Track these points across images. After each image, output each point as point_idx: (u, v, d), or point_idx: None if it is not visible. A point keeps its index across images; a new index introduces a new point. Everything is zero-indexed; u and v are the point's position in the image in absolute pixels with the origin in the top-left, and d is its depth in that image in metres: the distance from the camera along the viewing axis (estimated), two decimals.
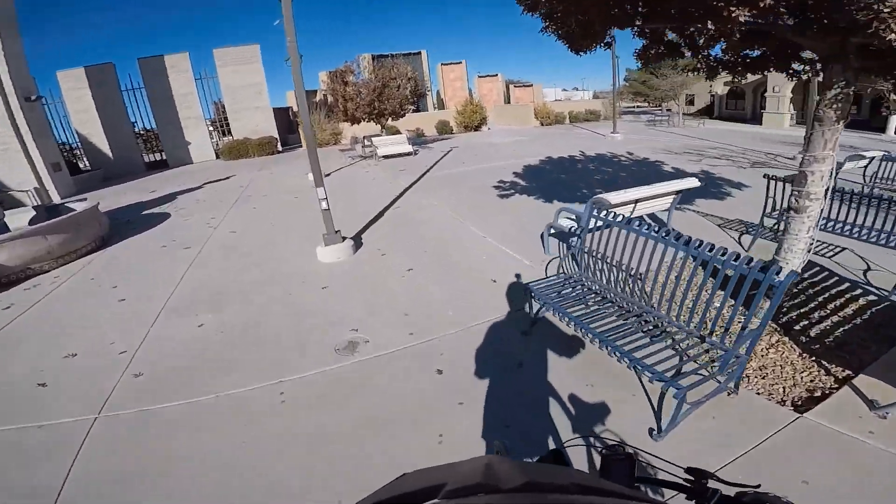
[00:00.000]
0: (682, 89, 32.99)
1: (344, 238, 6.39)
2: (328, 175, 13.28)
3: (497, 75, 45.85)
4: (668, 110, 35.79)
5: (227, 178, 15.17)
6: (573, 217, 5.37)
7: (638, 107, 48.79)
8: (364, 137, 18.91)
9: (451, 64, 46.06)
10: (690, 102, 38.54)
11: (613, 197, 4.82)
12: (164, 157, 22.41)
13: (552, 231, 5.82)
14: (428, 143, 20.26)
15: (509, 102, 44.31)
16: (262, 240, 7.44)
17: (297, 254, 6.49)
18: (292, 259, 6.31)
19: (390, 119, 17.31)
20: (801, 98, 27.40)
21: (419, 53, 44.50)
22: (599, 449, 0.93)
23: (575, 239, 4.50)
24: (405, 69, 16.62)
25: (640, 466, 1.25)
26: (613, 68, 21.06)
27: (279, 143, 23.21)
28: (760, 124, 26.13)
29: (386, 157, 16.12)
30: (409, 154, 16.28)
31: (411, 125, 24.89)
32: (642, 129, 22.49)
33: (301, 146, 24.43)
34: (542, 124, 26.33)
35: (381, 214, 8.24)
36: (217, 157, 22.28)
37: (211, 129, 24.34)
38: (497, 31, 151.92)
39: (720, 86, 31.62)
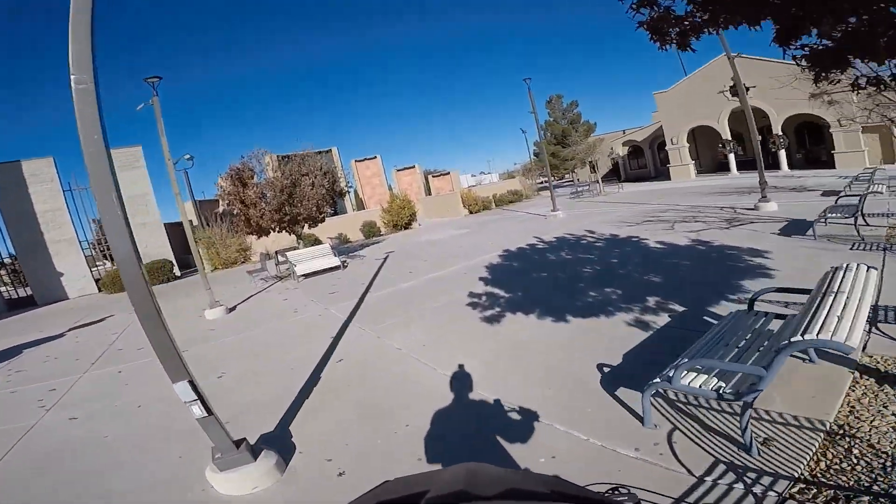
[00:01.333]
0: (588, 155, 34.44)
1: (257, 451, 3.21)
2: (232, 309, 9.88)
3: (414, 167, 45.79)
4: (579, 180, 37.14)
5: (101, 319, 11.15)
6: (714, 369, 2.77)
7: (544, 182, 51.03)
8: (277, 252, 15.78)
9: (365, 160, 45.31)
10: (593, 169, 40.59)
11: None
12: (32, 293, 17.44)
13: (659, 391, 3.17)
14: (356, 251, 17.55)
15: (430, 193, 43.94)
16: (113, 444, 3.99)
17: (171, 485, 3.14)
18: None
19: (307, 226, 14.44)
20: (694, 147, 29.42)
21: (329, 151, 43.45)
22: (604, 492, 0.89)
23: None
24: (318, 162, 14.11)
25: None
26: (538, 125, 20.49)
27: (176, 267, 19.26)
28: (668, 179, 27.19)
29: (307, 275, 13.06)
30: (337, 268, 13.37)
31: (332, 231, 22.28)
32: (572, 202, 21.85)
33: (206, 267, 20.57)
34: (471, 212, 25.07)
35: (317, 377, 5.09)
36: (100, 289, 17.70)
37: (89, 254, 19.82)
38: (404, 121, 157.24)
39: (619, 146, 33.32)
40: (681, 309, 5.47)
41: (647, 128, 32.69)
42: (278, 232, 14.50)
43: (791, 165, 23.54)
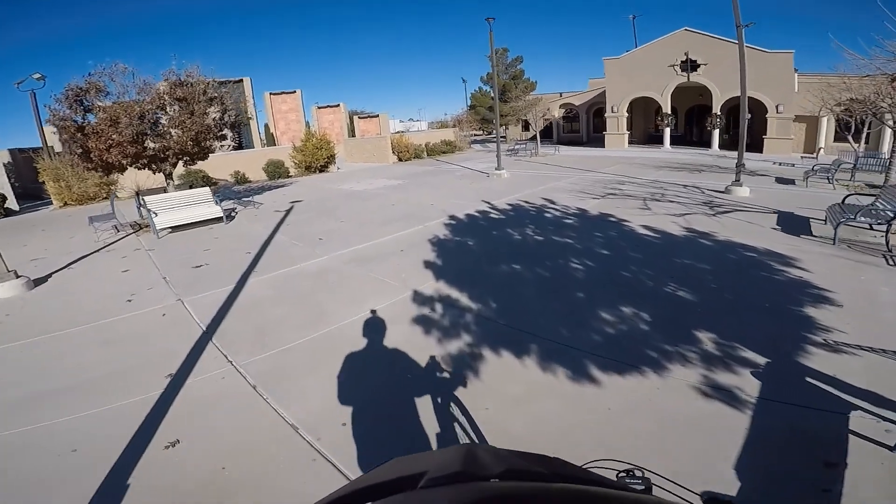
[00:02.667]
0: (526, 112, 32.26)
1: None
2: (42, 281, 6.29)
3: (339, 105, 40.34)
4: (515, 139, 35.06)
5: None
6: None
7: (476, 135, 48.11)
8: (138, 193, 11.58)
9: (282, 94, 38.88)
10: (525, 127, 38.75)
11: None
12: None
13: None
14: (253, 196, 13.73)
15: (354, 136, 39.14)
16: None
17: None
18: None
19: (183, 163, 10.45)
20: (642, 119, 28.56)
21: (240, 81, 36.43)
22: (617, 472, 0.84)
23: None
24: (202, 84, 9.91)
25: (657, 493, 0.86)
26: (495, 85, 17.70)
27: (11, 200, 14.07)
28: (600, 146, 26.16)
29: (176, 227, 9.40)
30: (218, 220, 9.82)
31: (227, 168, 17.81)
32: (510, 161, 19.58)
33: (53, 204, 15.39)
34: (401, 159, 21.76)
35: None
36: None
37: None
38: (334, 57, 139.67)
39: (557, 109, 31.59)
40: (760, 360, 3.38)
41: (584, 93, 31.13)
42: (139, 169, 10.29)
43: (720, 146, 23.47)
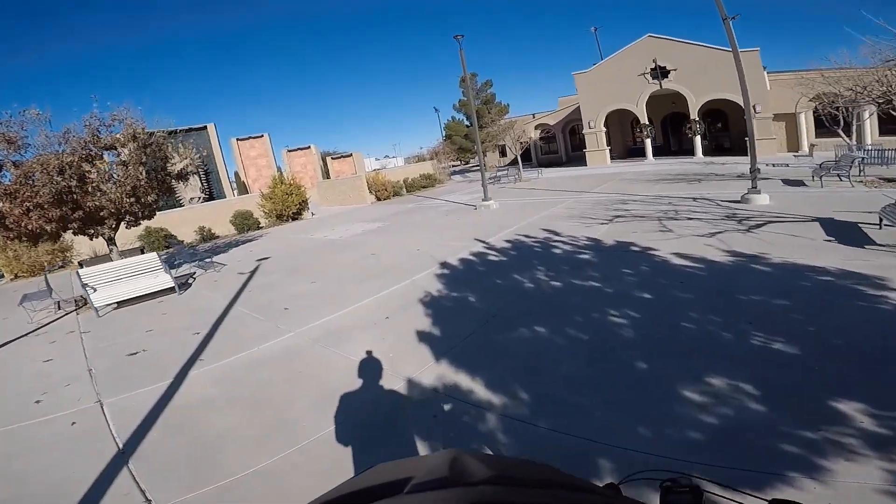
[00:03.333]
0: (502, 137, 31.72)
1: None
2: None
3: (310, 147, 39.45)
4: (494, 166, 34.44)
5: None
6: None
7: (454, 166, 47.58)
8: (81, 263, 10.09)
9: (249, 139, 37.86)
10: (503, 153, 38.32)
11: None
12: None
13: None
14: (215, 256, 12.27)
15: (328, 177, 38.14)
16: None
17: None
18: None
19: (126, 224, 9.01)
20: (619, 133, 28.13)
21: (204, 128, 35.35)
22: (661, 481, 0.79)
23: None
24: (131, 129, 8.42)
25: (710, 501, 0.83)
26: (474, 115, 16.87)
27: None
28: (581, 165, 25.54)
29: (123, 302, 7.93)
30: (170, 291, 8.35)
31: (193, 223, 16.33)
32: (495, 190, 18.59)
33: (5, 277, 13.66)
34: (379, 199, 20.57)
35: None
36: None
37: None
38: (300, 97, 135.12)
39: (532, 131, 31.14)
40: None
41: (558, 111, 30.89)
42: (75, 234, 8.82)
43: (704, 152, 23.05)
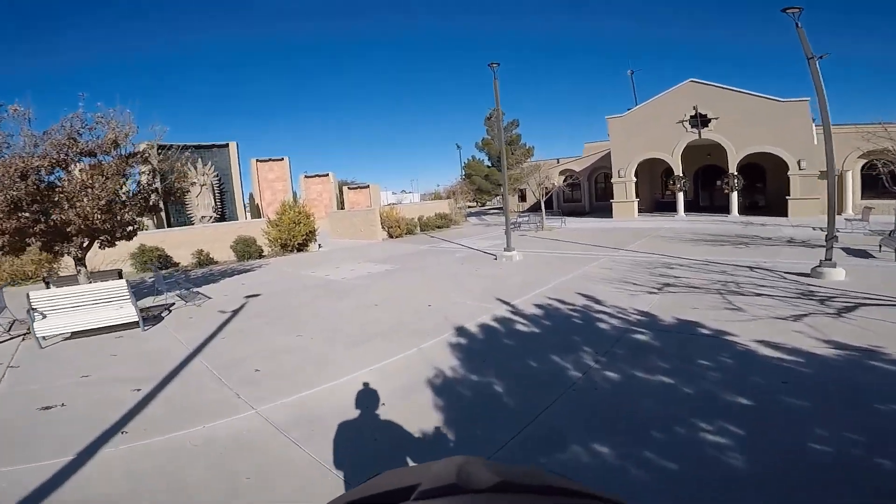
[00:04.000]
0: (524, 181, 30.86)
1: None
2: None
3: (328, 175, 39.21)
4: (515, 210, 33.55)
5: None
6: None
7: (470, 207, 46.87)
8: (47, 281, 8.98)
9: (269, 161, 37.78)
10: (522, 198, 37.50)
11: None
12: None
13: None
14: (204, 284, 11.14)
15: (343, 207, 37.62)
16: None
17: None
18: None
19: (99, 244, 7.93)
20: (647, 184, 27.00)
21: (226, 146, 35.36)
22: None
23: None
24: (114, 132, 7.38)
25: None
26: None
27: None
28: (605, 216, 24.38)
29: (78, 333, 6.76)
30: (134, 326, 7.15)
31: (192, 245, 15.35)
32: (516, 238, 17.46)
33: None
34: (392, 235, 19.53)
35: None
36: None
37: None
38: (323, 123, 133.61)
39: (556, 176, 30.29)
40: None
41: (584, 158, 30.17)
42: (43, 250, 7.76)
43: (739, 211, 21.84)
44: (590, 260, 10.79)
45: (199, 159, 32.90)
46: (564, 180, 30.83)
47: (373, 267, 11.84)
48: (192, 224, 30.51)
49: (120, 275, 9.19)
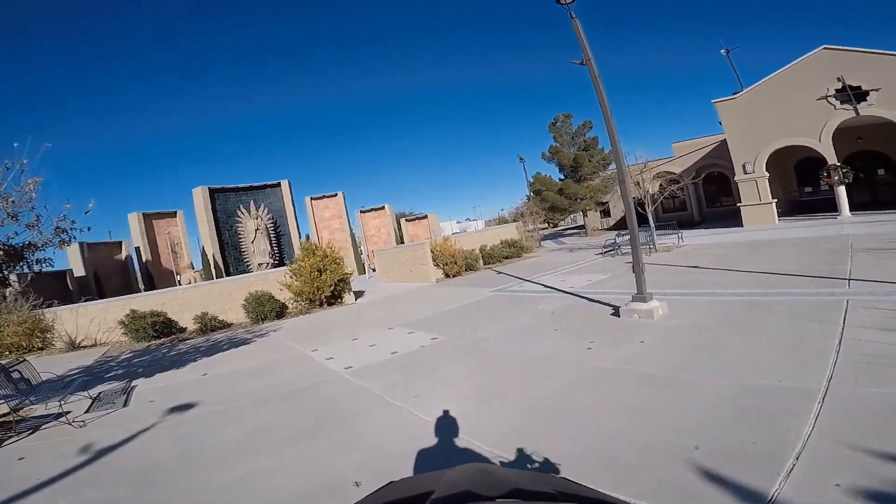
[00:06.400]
0: (604, 192, 25.16)
1: None
2: None
3: (384, 207, 36.06)
4: (595, 227, 27.80)
5: None
6: None
7: (542, 229, 41.09)
8: None
9: (323, 198, 35.49)
10: (606, 213, 31.45)
11: None
12: None
13: None
14: (184, 363, 7.32)
15: (402, 241, 34.27)
16: None
17: None
18: None
19: None
20: (776, 181, 20.26)
21: (277, 185, 33.58)
22: None
23: None
24: None
25: None
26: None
27: None
28: (723, 225, 18.02)
29: None
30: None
31: (202, 305, 12.01)
32: (622, 266, 12.16)
33: None
34: (448, 275, 15.07)
35: None
36: None
37: None
38: (376, 158, 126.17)
39: (649, 181, 24.09)
40: None
41: (682, 157, 23.93)
42: None
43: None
44: (768, 305, 5.41)
45: (252, 202, 31.41)
46: (660, 187, 24.60)
47: (404, 339, 7.27)
48: (250, 272, 28.56)
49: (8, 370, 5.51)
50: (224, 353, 8.37)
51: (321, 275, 11.94)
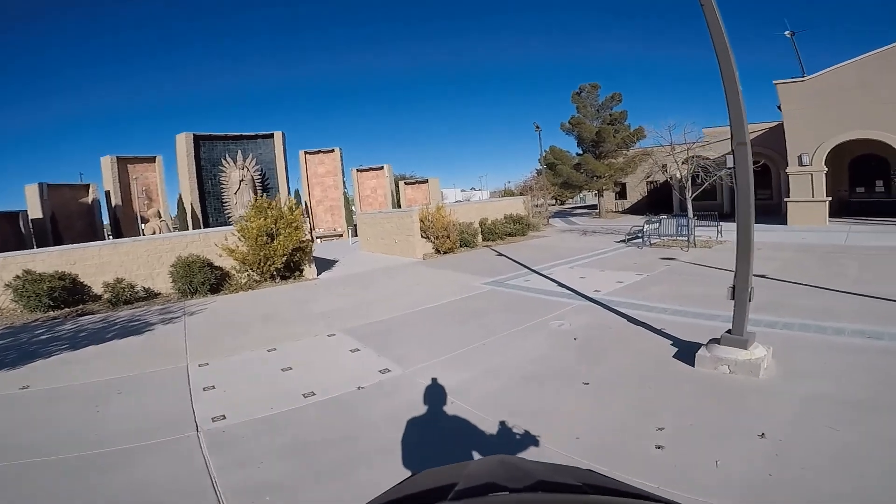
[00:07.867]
0: (629, 170, 22.13)
1: None
2: None
3: (383, 168, 32.78)
4: (609, 209, 24.87)
5: None
6: None
7: (551, 205, 37.80)
8: None
9: (319, 152, 32.26)
10: (621, 194, 28.39)
11: None
12: None
13: None
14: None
15: (399, 206, 31.40)
16: None
17: None
18: None
19: None
20: (829, 179, 17.23)
21: (270, 136, 30.33)
22: None
23: None
24: None
25: None
26: None
27: None
28: (765, 221, 15.22)
29: None
30: None
31: (119, 268, 9.40)
32: (657, 266, 9.42)
33: None
34: (438, 251, 12.36)
35: None
36: None
37: None
38: (381, 118, 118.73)
39: (677, 166, 20.99)
40: None
41: (719, 142, 20.71)
42: None
43: None
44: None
45: (240, 151, 28.28)
46: (703, 170, 21.42)
47: (339, 363, 4.61)
48: (231, 224, 25.83)
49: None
50: (96, 348, 5.76)
51: (272, 241, 9.23)
